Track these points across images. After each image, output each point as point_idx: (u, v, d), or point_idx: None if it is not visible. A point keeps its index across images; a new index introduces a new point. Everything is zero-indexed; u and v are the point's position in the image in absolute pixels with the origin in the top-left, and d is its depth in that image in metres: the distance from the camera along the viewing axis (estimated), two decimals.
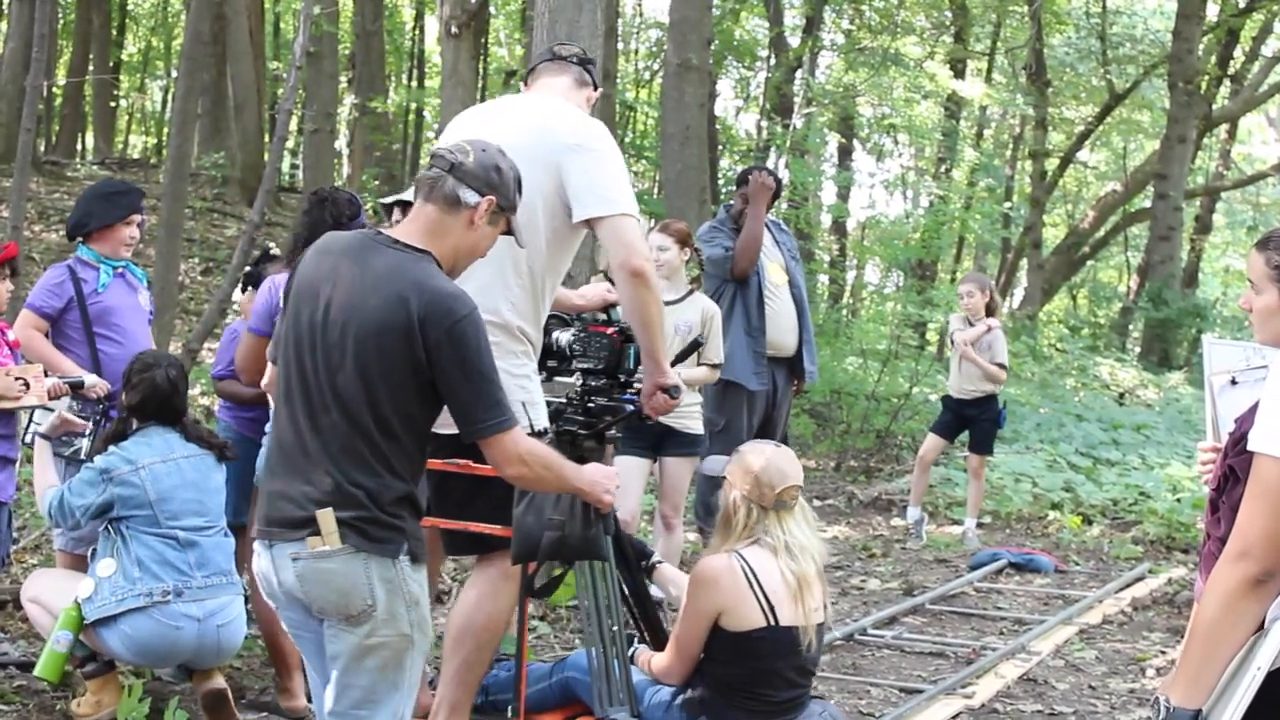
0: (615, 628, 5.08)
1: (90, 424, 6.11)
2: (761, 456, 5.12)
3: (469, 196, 3.88)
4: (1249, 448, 2.90)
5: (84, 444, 6.06)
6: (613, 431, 5.16)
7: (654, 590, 5.88)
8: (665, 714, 5.17)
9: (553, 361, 5.24)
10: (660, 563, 5.77)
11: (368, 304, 3.70)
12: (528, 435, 4.05)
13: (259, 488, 4.05)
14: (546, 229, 4.89)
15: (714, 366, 7.76)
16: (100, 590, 5.49)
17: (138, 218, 6.53)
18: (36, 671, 5.62)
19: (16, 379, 5.86)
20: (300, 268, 3.93)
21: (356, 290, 3.73)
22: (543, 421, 4.80)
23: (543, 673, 5.44)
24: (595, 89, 5.41)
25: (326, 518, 3.64)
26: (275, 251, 7.30)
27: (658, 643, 5.43)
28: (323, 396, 3.71)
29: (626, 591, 5.35)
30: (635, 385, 5.18)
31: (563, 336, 5.27)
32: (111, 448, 5.66)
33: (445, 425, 3.93)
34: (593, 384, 5.15)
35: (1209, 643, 2.83)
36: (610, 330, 5.23)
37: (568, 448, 4.80)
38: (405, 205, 6.02)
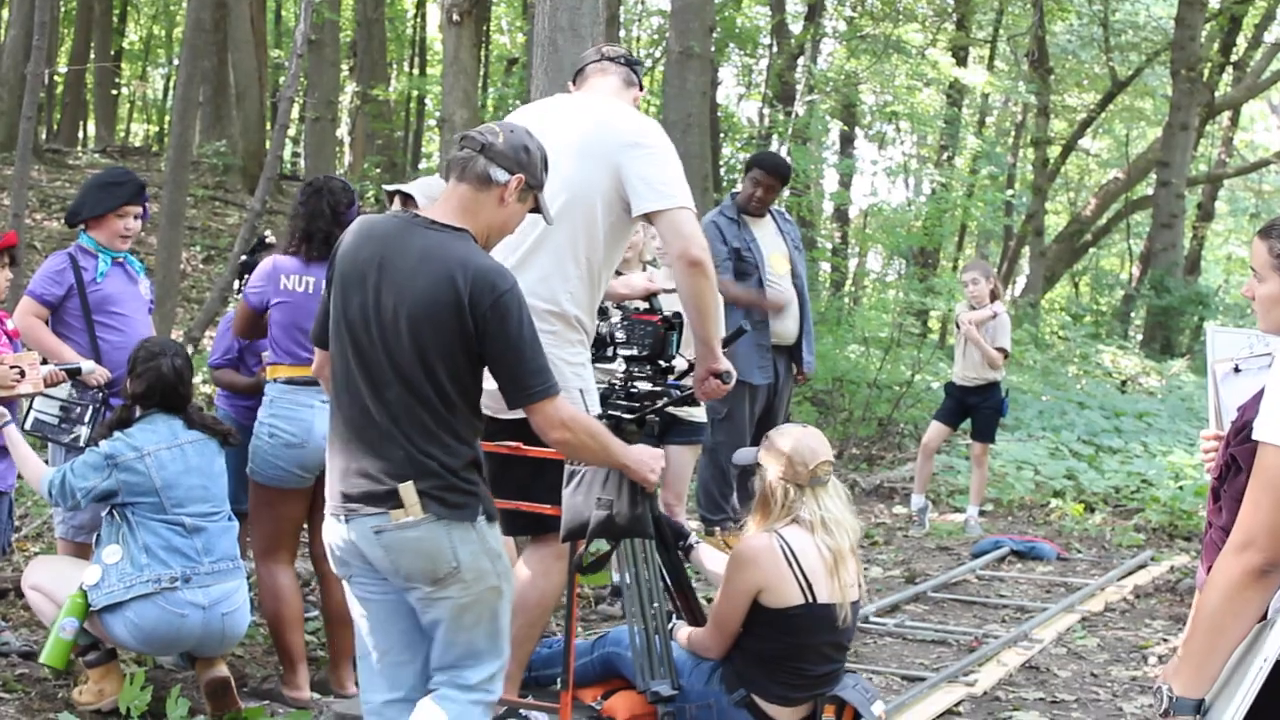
0: (656, 605, 5.29)
1: (90, 411, 6.11)
2: (791, 438, 5.30)
3: (499, 175, 4.09)
4: (1253, 437, 2.89)
5: (83, 431, 6.06)
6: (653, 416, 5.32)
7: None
8: (705, 686, 5.34)
9: (593, 349, 5.37)
10: (698, 543, 5.91)
11: (417, 283, 3.92)
12: None
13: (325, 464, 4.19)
14: (604, 223, 5.07)
15: None
16: (107, 577, 5.49)
17: (134, 209, 6.47)
18: (42, 659, 5.62)
19: (12, 367, 5.86)
20: (341, 256, 4.10)
21: (404, 271, 3.94)
22: (596, 408, 5.02)
23: (584, 648, 5.58)
24: (640, 89, 5.57)
25: (408, 491, 3.87)
26: (271, 240, 7.30)
27: (694, 619, 5.60)
28: (383, 374, 3.93)
29: (664, 570, 5.52)
30: (679, 371, 5.41)
31: (602, 325, 5.41)
32: (116, 434, 5.65)
33: (499, 410, 4.30)
34: (636, 370, 5.34)
35: (1212, 633, 2.82)
36: (655, 318, 5.41)
37: (612, 432, 4.90)
38: (406, 198, 6.06)
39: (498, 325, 3.92)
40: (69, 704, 5.71)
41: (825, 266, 24.59)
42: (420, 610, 4.05)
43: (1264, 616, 2.88)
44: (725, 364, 5.26)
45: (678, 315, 5.30)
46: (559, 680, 5.22)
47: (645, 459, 4.43)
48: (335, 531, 4.06)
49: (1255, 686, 2.77)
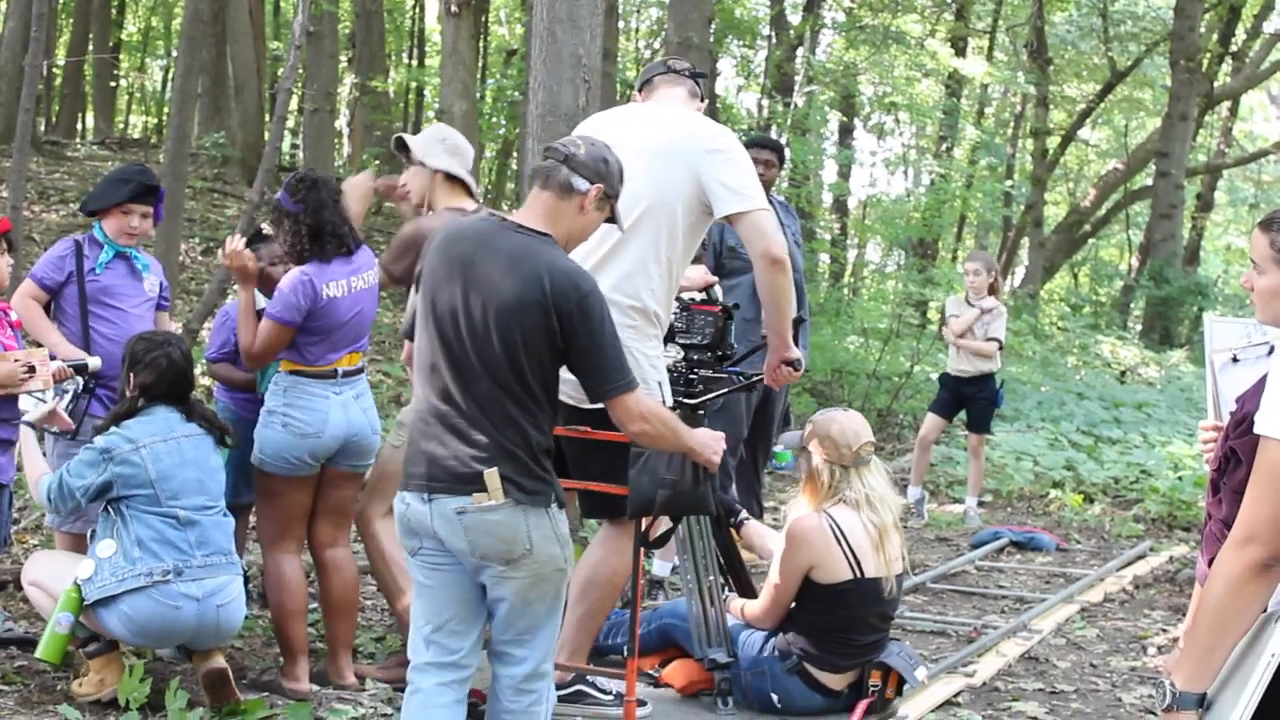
0: (711, 578, 5.87)
1: (73, 392, 6.08)
2: (834, 422, 5.82)
3: (580, 184, 4.38)
4: (1255, 430, 2.89)
5: (61, 405, 6.02)
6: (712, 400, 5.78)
7: None
8: (757, 654, 5.86)
9: None
10: (748, 519, 6.41)
11: (505, 284, 4.18)
12: None
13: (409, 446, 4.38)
14: (684, 223, 5.48)
15: None
16: (100, 571, 5.49)
17: (139, 208, 6.43)
18: (38, 654, 5.62)
19: (21, 363, 5.86)
20: (431, 255, 4.37)
21: (493, 272, 4.20)
22: (670, 399, 5.47)
23: (643, 620, 5.93)
24: (703, 100, 5.96)
25: (492, 476, 4.12)
26: (268, 231, 7.29)
27: (744, 591, 6.19)
28: (471, 368, 4.19)
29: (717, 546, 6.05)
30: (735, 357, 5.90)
31: None
32: (113, 427, 5.65)
33: (580, 400, 4.81)
34: (695, 358, 5.82)
35: (1215, 628, 2.82)
36: (715, 308, 5.92)
37: None
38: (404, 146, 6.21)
39: (582, 324, 4.19)
40: (68, 696, 5.70)
41: (824, 258, 24.60)
42: (489, 586, 4.28)
43: (1266, 610, 2.88)
44: (796, 352, 5.74)
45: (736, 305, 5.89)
46: (625, 649, 5.59)
47: (709, 442, 4.65)
48: (413, 509, 4.27)
49: (1263, 683, 2.77)
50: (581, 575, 5.53)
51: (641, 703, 5.53)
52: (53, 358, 6.02)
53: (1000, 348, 11.04)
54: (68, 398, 6.09)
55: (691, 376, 5.76)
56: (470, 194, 6.23)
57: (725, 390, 5.75)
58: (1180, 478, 12.84)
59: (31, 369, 5.87)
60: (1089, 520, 11.65)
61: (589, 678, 5.68)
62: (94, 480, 5.52)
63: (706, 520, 5.87)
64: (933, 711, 6.22)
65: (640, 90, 6.00)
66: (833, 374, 17.15)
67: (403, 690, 4.36)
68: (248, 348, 6.01)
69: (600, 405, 4.38)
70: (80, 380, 6.13)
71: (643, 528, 5.10)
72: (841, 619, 5.74)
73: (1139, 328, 27.13)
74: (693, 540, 5.85)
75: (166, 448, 5.62)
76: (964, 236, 29.92)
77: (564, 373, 4.30)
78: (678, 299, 5.84)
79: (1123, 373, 22.70)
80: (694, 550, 5.87)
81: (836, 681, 5.81)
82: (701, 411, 5.74)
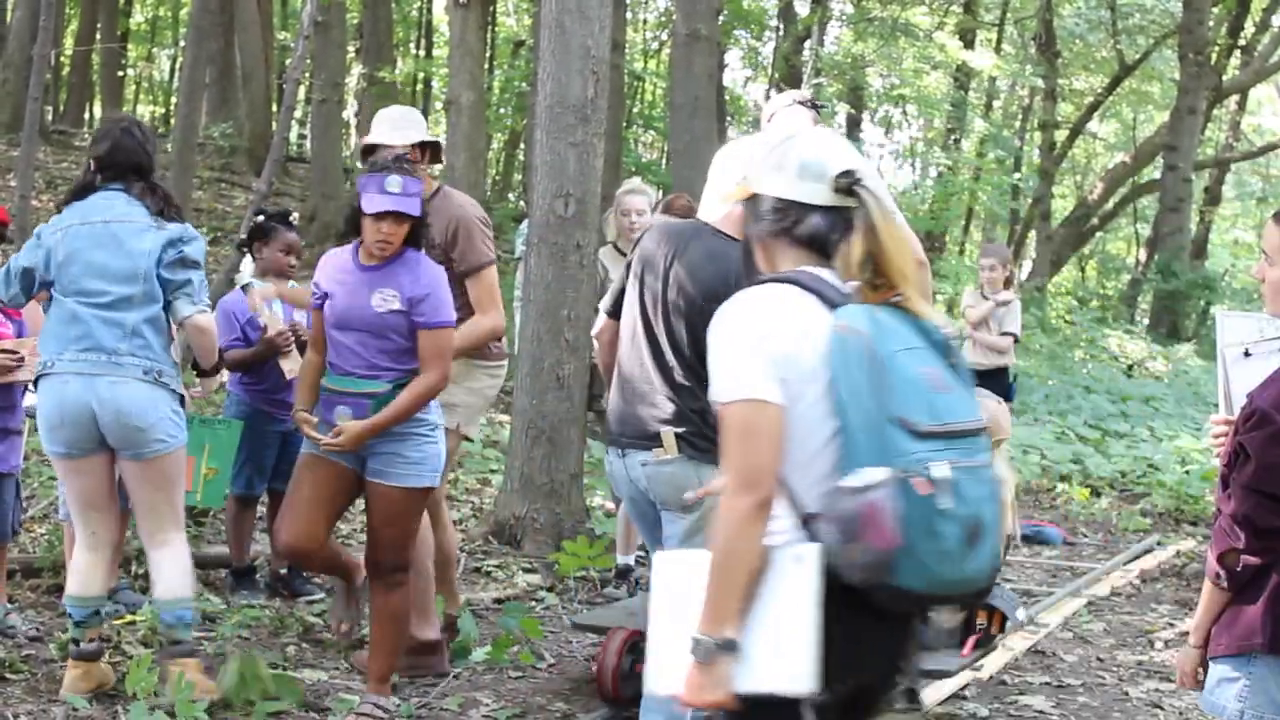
0: None
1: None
2: None
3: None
4: (710, 398, 3.10)
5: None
6: None
7: None
8: None
9: None
10: None
11: (700, 275, 4.77)
12: None
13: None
14: None
15: None
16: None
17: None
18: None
19: (10, 353, 5.87)
20: (642, 247, 4.99)
21: (692, 265, 4.81)
22: None
23: None
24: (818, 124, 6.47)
25: (669, 435, 4.74)
26: (294, 217, 7.28)
27: None
28: (661, 345, 4.82)
29: None
30: None
31: None
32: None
33: None
34: None
35: (724, 571, 2.99)
36: None
37: None
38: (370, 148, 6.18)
39: None
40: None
41: None
42: (664, 525, 4.86)
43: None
44: None
45: None
46: None
47: None
48: (614, 464, 4.95)
49: (789, 612, 2.97)
50: None
51: None
52: None
53: (1015, 341, 10.98)
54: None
55: None
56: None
57: None
58: (1188, 472, 12.83)
59: (21, 359, 5.89)
60: (1096, 514, 11.64)
61: None
62: (22, 263, 5.49)
63: None
64: (940, 705, 6.22)
65: (769, 120, 6.44)
66: None
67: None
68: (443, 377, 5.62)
69: None
70: None
71: None
72: None
73: (1146, 321, 27.11)
74: None
75: (88, 230, 5.47)
76: (971, 229, 29.91)
77: None
78: None
79: (1130, 366, 22.69)
80: None
81: (948, 618, 5.96)
82: None
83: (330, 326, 5.46)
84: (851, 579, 2.93)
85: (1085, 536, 10.85)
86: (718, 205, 4.96)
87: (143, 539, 5.80)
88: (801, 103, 6.25)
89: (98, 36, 25.44)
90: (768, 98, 25.47)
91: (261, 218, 7.40)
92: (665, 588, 3.19)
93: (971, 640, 6.02)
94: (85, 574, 5.62)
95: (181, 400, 5.62)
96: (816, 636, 2.95)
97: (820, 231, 3.15)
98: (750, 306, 3.09)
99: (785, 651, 2.97)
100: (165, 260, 5.48)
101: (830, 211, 3.14)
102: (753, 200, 3.25)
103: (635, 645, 5.71)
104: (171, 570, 5.65)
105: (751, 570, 2.99)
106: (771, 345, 3.02)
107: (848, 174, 3.12)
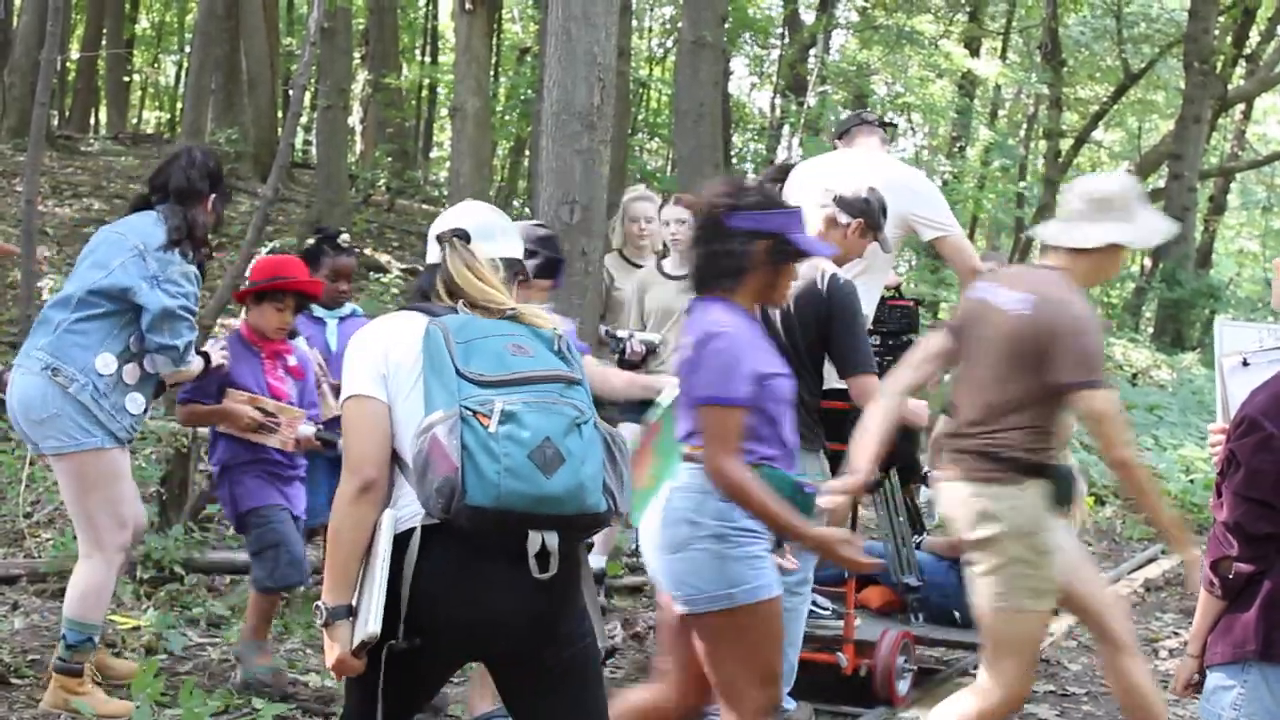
0: (901, 518, 7.13)
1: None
2: None
3: (843, 218, 5.81)
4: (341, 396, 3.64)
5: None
6: None
7: None
8: (944, 578, 6.94)
9: None
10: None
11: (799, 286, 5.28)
12: None
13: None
14: (892, 245, 6.64)
15: None
16: None
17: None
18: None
19: (265, 412, 5.96)
20: None
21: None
22: None
23: None
24: (891, 142, 7.13)
25: None
26: (345, 240, 6.83)
27: (914, 528, 7.36)
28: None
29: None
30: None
31: None
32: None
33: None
34: (891, 343, 7.00)
35: (336, 545, 3.47)
36: (908, 302, 7.33)
37: None
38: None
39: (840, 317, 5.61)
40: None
41: None
42: None
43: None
44: None
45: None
46: (844, 574, 6.38)
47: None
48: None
49: (384, 577, 3.40)
50: None
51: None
52: (325, 426, 6.09)
53: None
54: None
55: (887, 360, 6.54)
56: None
57: None
58: (1192, 480, 12.82)
59: (278, 424, 5.97)
60: (1100, 522, 11.64)
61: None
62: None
63: (894, 473, 7.06)
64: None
65: (840, 138, 7.21)
66: None
67: None
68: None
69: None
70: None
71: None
72: None
73: (1151, 330, 27.08)
74: (890, 490, 7.08)
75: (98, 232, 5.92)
76: (976, 238, 29.87)
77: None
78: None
79: (1134, 375, 22.65)
80: (889, 499, 7.08)
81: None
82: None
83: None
84: (435, 512, 3.34)
85: (1090, 545, 10.84)
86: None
87: None
88: (870, 121, 7.04)
89: (104, 42, 25.48)
90: (773, 105, 25.52)
91: (311, 241, 6.98)
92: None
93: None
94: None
95: (91, 415, 5.44)
96: (380, 583, 3.37)
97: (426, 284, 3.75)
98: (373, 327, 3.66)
99: (364, 605, 3.40)
100: (139, 291, 5.48)
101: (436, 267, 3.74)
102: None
103: None
104: (71, 591, 5.58)
105: (355, 543, 3.45)
106: (374, 351, 3.56)
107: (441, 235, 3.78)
